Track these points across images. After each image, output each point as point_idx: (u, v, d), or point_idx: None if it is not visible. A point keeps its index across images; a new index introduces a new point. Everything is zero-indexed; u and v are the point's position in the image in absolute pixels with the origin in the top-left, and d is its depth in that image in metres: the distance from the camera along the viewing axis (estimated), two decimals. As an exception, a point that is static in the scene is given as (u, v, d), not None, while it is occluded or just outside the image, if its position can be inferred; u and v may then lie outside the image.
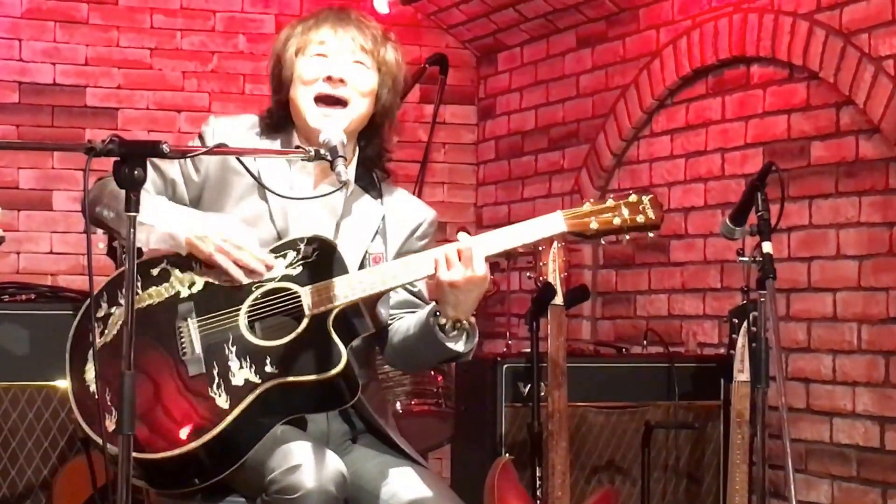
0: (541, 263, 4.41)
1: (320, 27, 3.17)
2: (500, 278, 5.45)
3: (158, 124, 6.53)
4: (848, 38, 4.72)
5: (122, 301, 3.03)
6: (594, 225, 3.05)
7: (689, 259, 5.61)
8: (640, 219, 3.08)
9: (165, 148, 2.66)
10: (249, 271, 3.05)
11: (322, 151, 2.94)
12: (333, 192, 3.07)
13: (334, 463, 2.92)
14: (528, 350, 4.76)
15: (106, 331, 3.08)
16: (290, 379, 2.97)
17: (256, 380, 2.97)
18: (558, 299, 4.48)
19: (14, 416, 4.19)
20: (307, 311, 3.01)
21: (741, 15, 5.21)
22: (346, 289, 3.00)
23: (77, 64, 6.44)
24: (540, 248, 4.36)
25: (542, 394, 4.61)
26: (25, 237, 6.34)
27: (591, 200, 3.09)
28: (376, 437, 3.19)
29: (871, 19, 4.65)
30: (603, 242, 3.17)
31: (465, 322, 3.03)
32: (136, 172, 2.59)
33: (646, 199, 3.09)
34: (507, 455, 4.69)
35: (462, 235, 2.98)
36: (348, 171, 3.07)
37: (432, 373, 4.72)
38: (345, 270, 3.03)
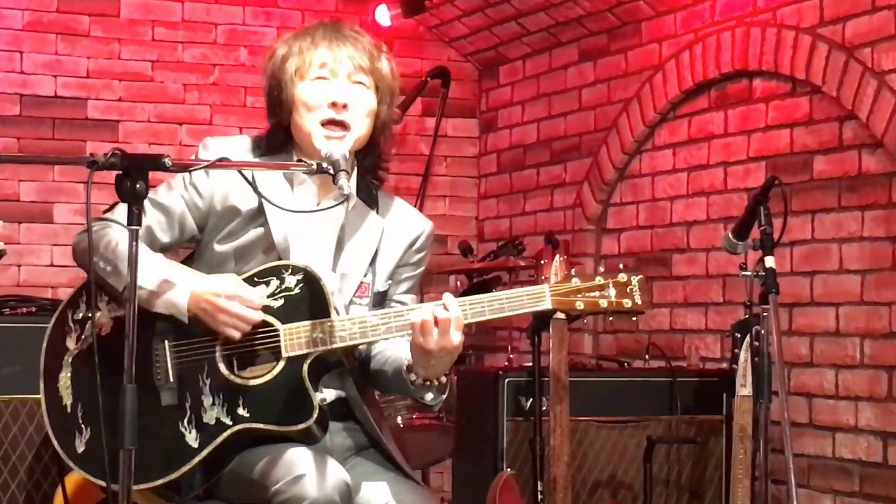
0: (542, 277, 4.39)
1: (317, 46, 3.12)
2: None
3: (160, 137, 6.53)
4: (851, 52, 4.72)
5: (100, 305, 3.02)
6: (580, 305, 3.06)
7: (691, 273, 5.60)
8: (627, 303, 3.07)
9: (168, 162, 2.68)
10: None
11: (324, 165, 2.94)
12: (336, 205, 3.06)
13: (338, 472, 2.92)
14: (530, 364, 4.75)
15: (83, 335, 3.06)
16: (262, 426, 2.97)
17: (228, 421, 2.97)
18: (560, 313, 4.46)
19: (14, 430, 4.18)
20: (284, 353, 2.98)
21: (744, 29, 5.20)
22: (326, 335, 2.97)
23: (78, 76, 6.44)
24: (542, 262, 4.34)
25: (544, 408, 4.60)
26: (26, 250, 6.34)
27: (577, 272, 3.07)
28: (377, 452, 3.17)
29: (873, 34, 4.65)
30: (586, 322, 3.14)
31: (435, 381, 3.02)
32: (138, 186, 2.62)
33: (635, 280, 3.08)
34: (509, 470, 4.68)
35: (447, 297, 2.94)
36: (350, 185, 3.06)
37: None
38: (326, 311, 2.99)
